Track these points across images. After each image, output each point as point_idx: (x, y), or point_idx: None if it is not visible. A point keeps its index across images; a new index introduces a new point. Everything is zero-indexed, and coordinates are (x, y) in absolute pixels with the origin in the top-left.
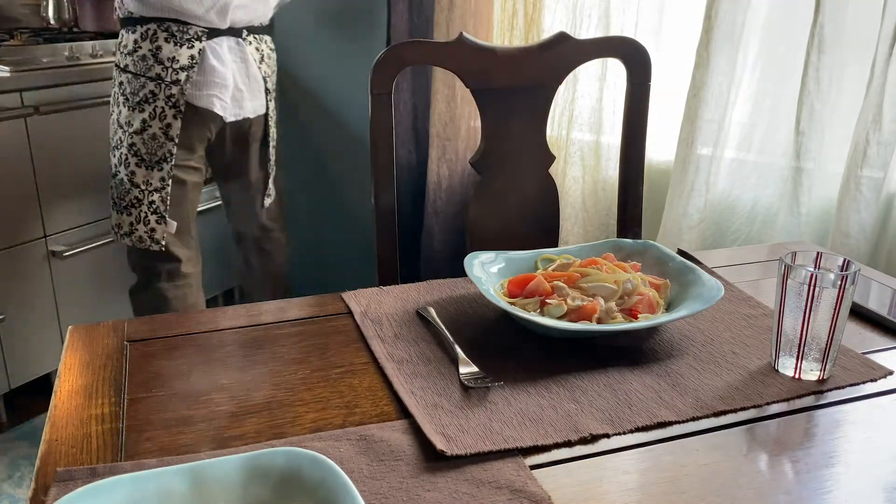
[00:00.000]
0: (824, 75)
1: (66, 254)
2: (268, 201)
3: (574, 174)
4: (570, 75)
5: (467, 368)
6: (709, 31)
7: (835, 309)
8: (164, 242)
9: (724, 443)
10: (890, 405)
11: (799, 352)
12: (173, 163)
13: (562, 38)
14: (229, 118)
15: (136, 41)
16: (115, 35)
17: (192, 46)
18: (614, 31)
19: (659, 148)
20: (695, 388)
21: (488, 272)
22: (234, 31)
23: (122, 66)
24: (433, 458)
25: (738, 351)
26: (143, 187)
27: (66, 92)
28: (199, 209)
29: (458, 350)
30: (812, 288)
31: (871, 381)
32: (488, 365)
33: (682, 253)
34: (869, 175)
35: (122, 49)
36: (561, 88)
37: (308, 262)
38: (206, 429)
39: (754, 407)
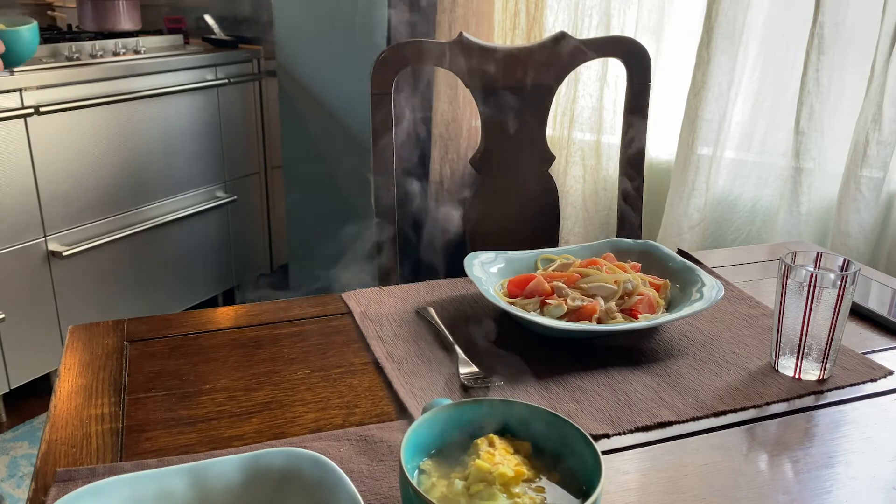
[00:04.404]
0: (824, 75)
1: (66, 254)
2: None
3: (575, 174)
4: (571, 75)
5: (467, 368)
6: (709, 31)
7: (835, 309)
8: None
9: (724, 443)
10: (890, 405)
11: (799, 352)
12: None
13: (562, 38)
14: None
15: None
16: (114, 35)
17: None
18: (615, 31)
19: (659, 148)
20: (695, 388)
21: (488, 272)
22: None
23: None
24: None
25: (738, 351)
26: None
27: (66, 92)
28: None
29: (458, 350)
30: (812, 288)
31: (871, 381)
32: (488, 365)
33: (682, 253)
34: (869, 175)
35: None
36: (562, 88)
37: (308, 262)
38: (206, 429)
39: (754, 407)
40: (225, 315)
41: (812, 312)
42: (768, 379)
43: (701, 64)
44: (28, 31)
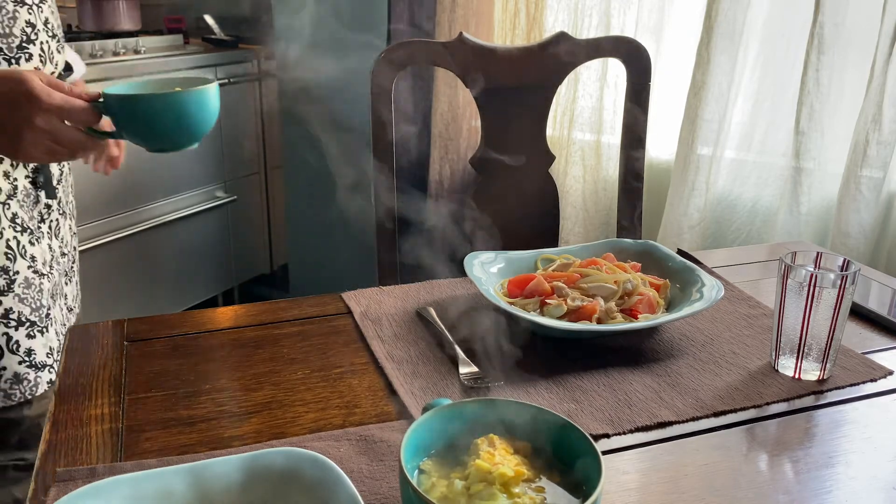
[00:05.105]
0: (824, 75)
1: None
2: None
3: (575, 174)
4: (571, 75)
5: (467, 368)
6: (709, 31)
7: (835, 309)
8: None
9: (724, 443)
10: (890, 405)
11: (799, 352)
12: None
13: (562, 38)
14: None
15: None
16: (114, 35)
17: None
18: (615, 31)
19: (659, 148)
20: (695, 388)
21: (488, 272)
22: None
23: None
24: None
25: (738, 351)
26: None
27: None
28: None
29: (458, 350)
30: (812, 288)
31: (871, 381)
32: (488, 365)
33: (682, 253)
34: (869, 175)
35: None
36: (562, 88)
37: (308, 262)
38: (206, 429)
39: (754, 407)
40: (225, 315)
41: (812, 312)
42: (768, 379)
43: (701, 64)
44: (211, 94)
